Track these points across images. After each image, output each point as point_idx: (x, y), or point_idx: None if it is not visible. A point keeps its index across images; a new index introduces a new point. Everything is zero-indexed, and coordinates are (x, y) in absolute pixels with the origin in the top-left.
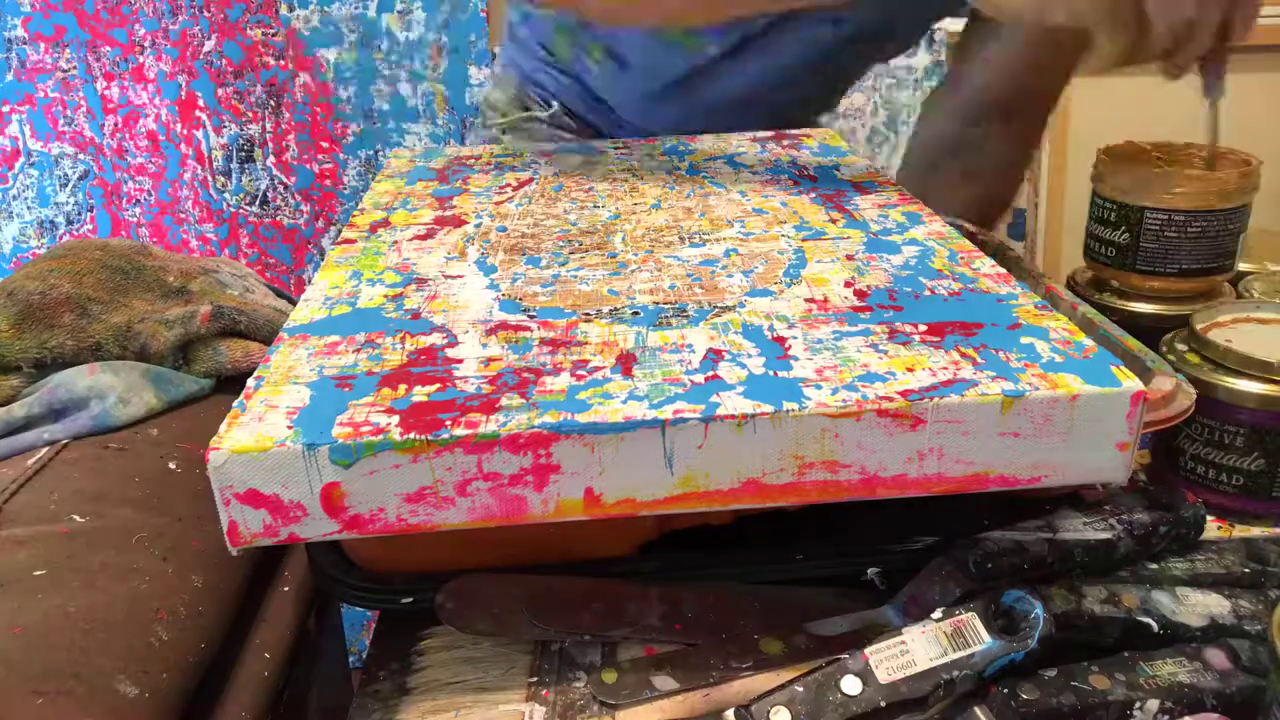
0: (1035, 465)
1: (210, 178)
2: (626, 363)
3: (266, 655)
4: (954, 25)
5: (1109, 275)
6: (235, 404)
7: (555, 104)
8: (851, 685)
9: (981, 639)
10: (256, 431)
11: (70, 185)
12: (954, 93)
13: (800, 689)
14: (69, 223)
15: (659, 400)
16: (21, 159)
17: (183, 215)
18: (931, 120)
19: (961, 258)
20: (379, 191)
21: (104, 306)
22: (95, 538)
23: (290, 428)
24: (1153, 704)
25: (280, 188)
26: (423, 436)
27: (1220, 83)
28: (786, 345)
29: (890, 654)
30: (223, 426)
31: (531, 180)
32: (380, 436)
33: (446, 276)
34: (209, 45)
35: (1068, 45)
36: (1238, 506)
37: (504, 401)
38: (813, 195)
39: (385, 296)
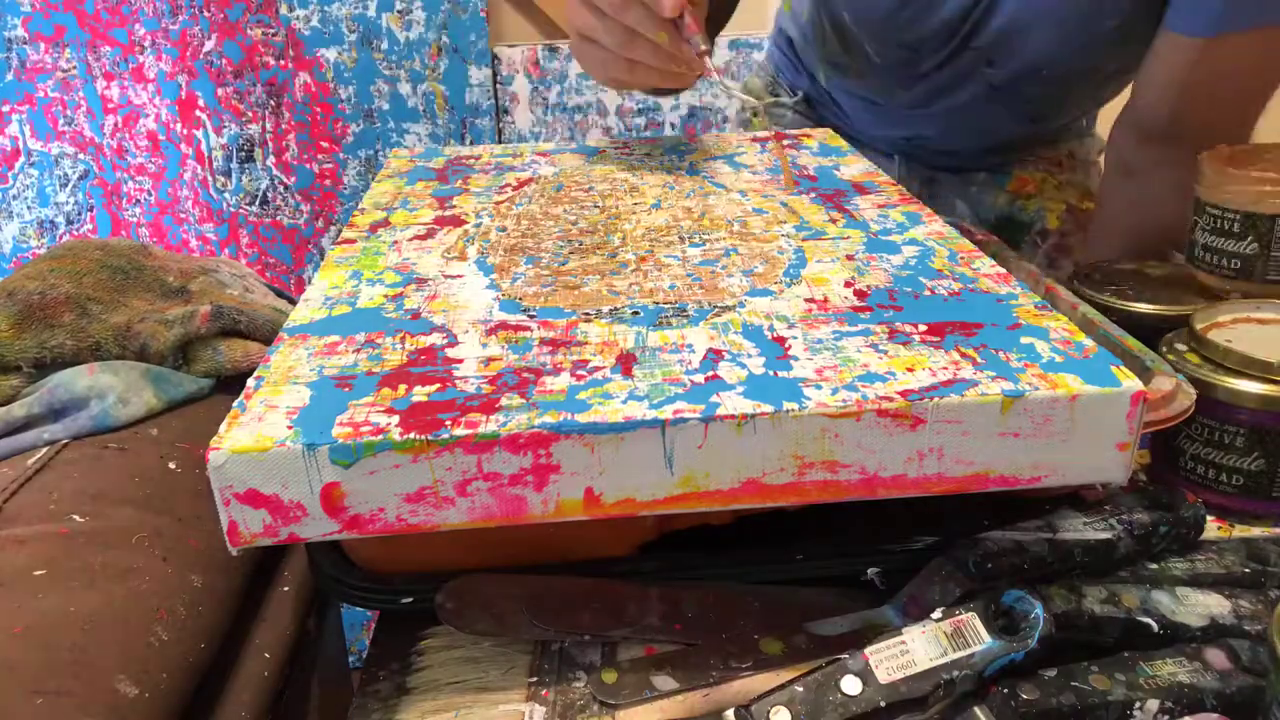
0: (1035, 465)
1: (210, 178)
2: (626, 363)
3: (266, 655)
4: None
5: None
6: (235, 404)
7: (800, 92)
8: (851, 685)
9: (981, 639)
10: (256, 431)
11: (70, 185)
12: (1129, 106)
13: (800, 689)
14: (69, 223)
15: (659, 400)
16: (21, 159)
17: (183, 215)
18: (1113, 135)
19: (961, 258)
20: (379, 191)
21: (104, 306)
22: (95, 537)
23: (290, 428)
24: (1153, 704)
25: (280, 188)
26: (423, 436)
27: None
28: (786, 345)
29: (890, 654)
30: (223, 426)
31: (531, 180)
32: (380, 436)
33: (446, 276)
34: (209, 45)
35: (1232, 73)
36: (1238, 506)
37: (504, 401)
38: (813, 195)
39: (385, 296)
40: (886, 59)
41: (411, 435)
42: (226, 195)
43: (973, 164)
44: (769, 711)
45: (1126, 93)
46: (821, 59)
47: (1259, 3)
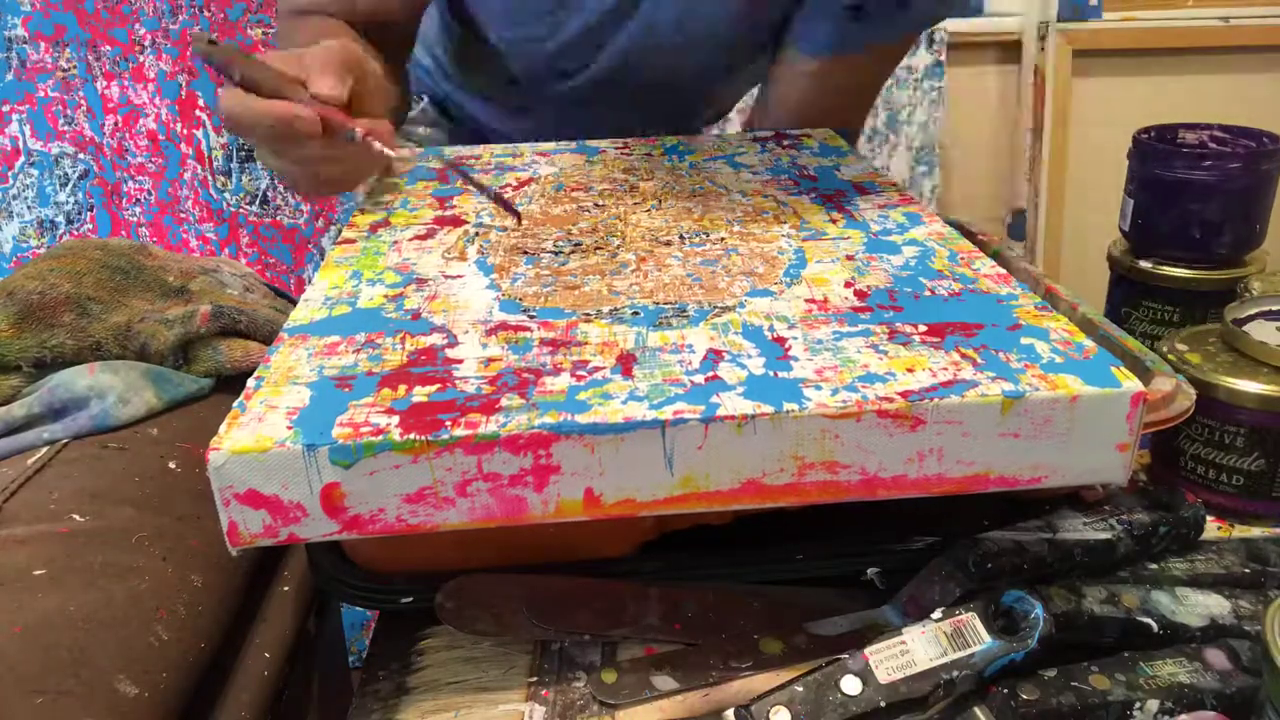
0: (1035, 466)
1: (210, 177)
2: (626, 363)
3: (266, 655)
4: (955, 25)
5: None
6: (235, 404)
7: (425, 98)
8: (851, 685)
9: (981, 639)
10: (256, 432)
11: (70, 185)
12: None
13: (800, 689)
14: (69, 222)
15: (659, 401)
16: (21, 159)
17: (183, 215)
18: None
19: (962, 258)
20: (379, 191)
21: (104, 306)
22: (95, 537)
23: (290, 428)
24: (1152, 704)
25: (280, 188)
26: (423, 437)
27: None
28: (786, 346)
29: (890, 654)
30: (223, 427)
31: (532, 180)
32: (380, 437)
33: (446, 276)
34: None
35: (844, 88)
36: (1238, 506)
37: (504, 402)
38: (813, 195)
39: (385, 296)
40: (527, 74)
41: (411, 436)
42: (226, 195)
43: None
44: (769, 711)
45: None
46: (456, 74)
47: (866, 28)
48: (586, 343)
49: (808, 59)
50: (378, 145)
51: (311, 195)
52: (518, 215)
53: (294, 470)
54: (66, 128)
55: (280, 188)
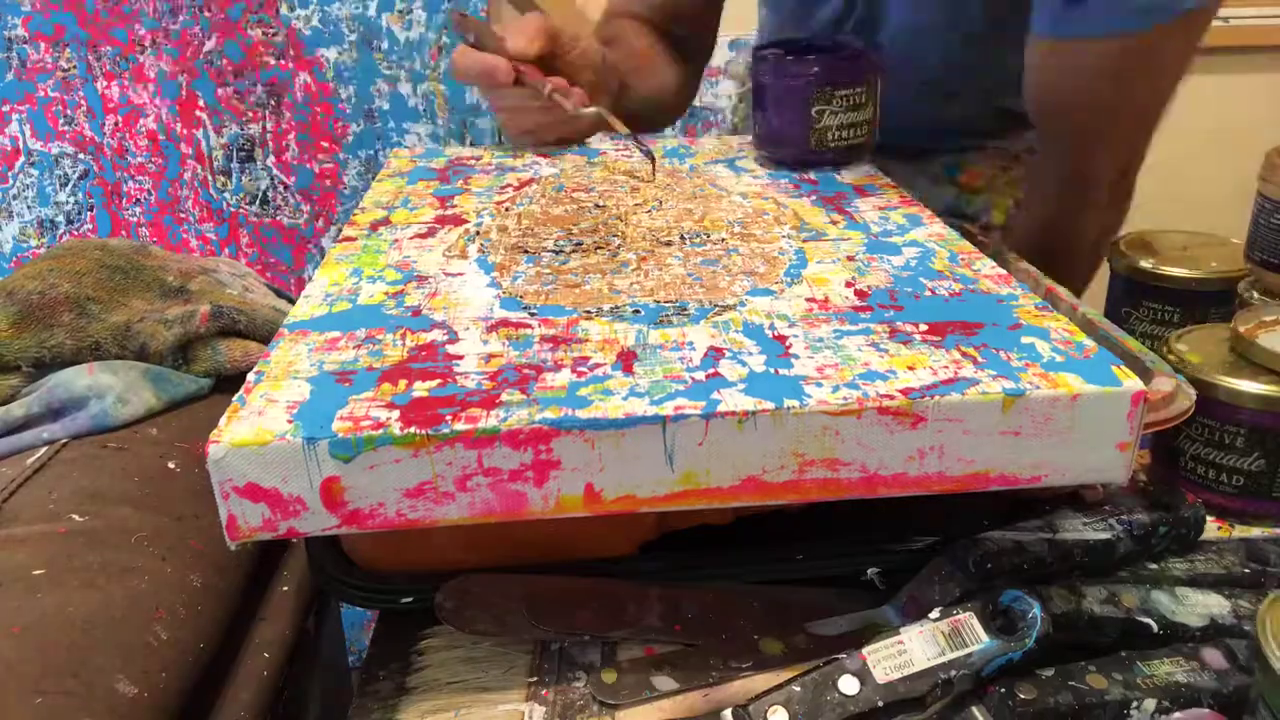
0: (1036, 465)
1: (210, 177)
2: (627, 360)
3: (266, 654)
4: None
5: None
6: (235, 398)
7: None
8: (849, 685)
9: (979, 639)
10: (256, 425)
11: (70, 185)
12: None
13: (798, 689)
14: (69, 222)
15: (660, 396)
16: (21, 158)
17: (183, 215)
18: None
19: (962, 259)
20: (379, 191)
21: (103, 306)
22: (94, 537)
23: (290, 422)
24: (1150, 703)
25: (280, 188)
26: (423, 431)
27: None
28: (787, 343)
29: (888, 654)
30: (223, 420)
31: (533, 180)
32: (380, 431)
33: (447, 274)
34: (209, 45)
35: (1073, 77)
36: (1238, 506)
37: (504, 397)
38: (813, 197)
39: (386, 294)
40: None
41: (412, 430)
42: (226, 195)
43: (925, 144)
44: (766, 711)
45: None
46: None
47: (1089, 16)
48: (587, 340)
49: (1033, 37)
50: (563, 101)
51: (517, 143)
52: (652, 159)
53: (294, 464)
54: (66, 128)
55: (280, 188)
